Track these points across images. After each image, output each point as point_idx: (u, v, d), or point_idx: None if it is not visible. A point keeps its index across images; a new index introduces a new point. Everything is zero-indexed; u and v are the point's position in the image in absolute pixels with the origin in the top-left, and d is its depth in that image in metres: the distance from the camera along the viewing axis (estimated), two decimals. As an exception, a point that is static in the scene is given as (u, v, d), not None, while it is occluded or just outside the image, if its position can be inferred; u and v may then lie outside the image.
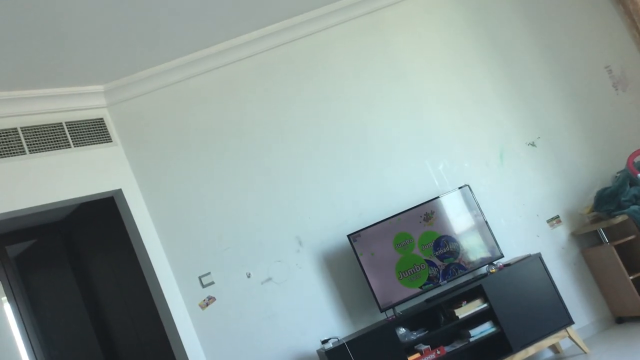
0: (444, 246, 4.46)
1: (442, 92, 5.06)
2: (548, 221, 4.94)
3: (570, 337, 4.39)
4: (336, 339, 4.21)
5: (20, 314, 5.35)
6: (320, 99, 4.87)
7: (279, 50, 4.90)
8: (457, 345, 4.27)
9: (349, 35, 5.04)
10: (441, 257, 4.44)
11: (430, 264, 4.43)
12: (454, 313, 4.26)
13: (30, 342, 5.29)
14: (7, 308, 5.30)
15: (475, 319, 4.29)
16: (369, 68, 5.01)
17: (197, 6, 4.03)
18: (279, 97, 4.82)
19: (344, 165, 4.77)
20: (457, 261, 4.44)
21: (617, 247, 4.59)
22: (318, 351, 4.29)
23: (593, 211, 4.85)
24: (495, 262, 4.51)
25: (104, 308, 5.25)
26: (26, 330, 5.32)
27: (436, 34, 5.20)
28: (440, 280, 4.41)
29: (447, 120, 5.00)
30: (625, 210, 4.55)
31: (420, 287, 4.38)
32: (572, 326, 4.39)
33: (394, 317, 4.23)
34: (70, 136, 4.32)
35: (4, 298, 5.32)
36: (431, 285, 4.40)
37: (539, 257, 4.46)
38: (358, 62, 5.01)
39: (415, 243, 4.44)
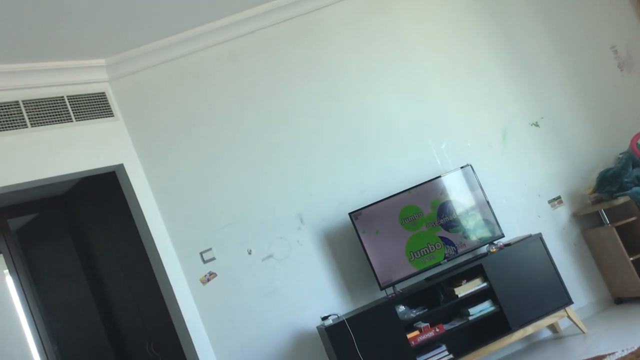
0: (454, 226, 4.47)
1: (446, 71, 5.03)
2: (549, 202, 4.94)
3: (569, 317, 4.41)
4: (336, 316, 4.23)
5: (22, 287, 5.38)
6: (323, 77, 4.84)
7: (283, 26, 4.85)
8: (456, 323, 4.29)
9: (353, 13, 4.98)
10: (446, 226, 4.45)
11: (447, 241, 4.43)
12: (454, 292, 4.28)
13: (32, 314, 5.32)
14: (9, 281, 5.33)
15: (475, 298, 4.31)
16: (372, 46, 4.96)
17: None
18: (282, 74, 4.79)
19: (346, 143, 4.76)
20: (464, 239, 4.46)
21: (618, 229, 4.59)
22: (318, 327, 4.32)
23: (595, 192, 4.85)
24: (495, 242, 4.52)
25: (105, 282, 5.28)
26: (28, 303, 5.35)
27: (440, 13, 5.15)
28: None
29: (451, 100, 4.97)
30: (627, 192, 4.55)
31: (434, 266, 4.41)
32: (571, 306, 4.42)
33: (394, 294, 4.25)
34: (72, 110, 4.30)
35: (6, 271, 5.35)
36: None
37: (539, 237, 4.47)
38: (362, 40, 4.96)
39: (425, 217, 4.45)
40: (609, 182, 4.72)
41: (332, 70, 4.87)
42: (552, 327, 4.70)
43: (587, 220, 4.96)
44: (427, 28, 5.09)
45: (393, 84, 4.92)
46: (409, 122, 4.87)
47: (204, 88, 4.67)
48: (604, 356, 3.78)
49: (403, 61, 4.97)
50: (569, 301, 4.38)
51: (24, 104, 4.10)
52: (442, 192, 4.51)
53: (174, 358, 4.56)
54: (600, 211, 4.72)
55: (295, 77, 4.81)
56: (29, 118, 4.10)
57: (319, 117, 4.77)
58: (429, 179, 4.58)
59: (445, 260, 4.42)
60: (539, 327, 4.39)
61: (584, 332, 4.42)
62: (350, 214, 4.41)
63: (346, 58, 4.91)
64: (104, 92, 4.49)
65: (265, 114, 4.70)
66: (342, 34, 4.95)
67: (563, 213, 4.95)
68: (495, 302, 4.28)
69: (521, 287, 4.32)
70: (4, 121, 3.98)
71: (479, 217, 4.52)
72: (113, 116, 4.48)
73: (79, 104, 4.35)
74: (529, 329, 4.31)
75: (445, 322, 4.35)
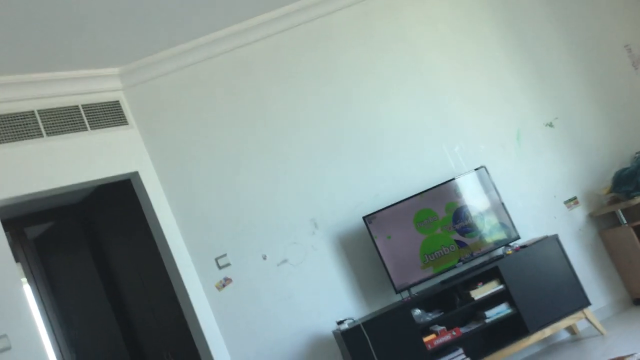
0: (469, 231, 4.45)
1: (458, 73, 5.01)
2: (565, 202, 4.90)
3: (587, 318, 4.37)
4: (352, 320, 4.23)
5: (40, 295, 5.44)
6: (335, 82, 4.84)
7: (295, 31, 4.86)
8: (473, 326, 4.27)
9: (363, 19, 4.99)
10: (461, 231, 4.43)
11: (461, 244, 4.41)
12: (470, 294, 4.25)
13: (50, 322, 5.37)
14: (27, 289, 5.38)
15: (491, 301, 4.29)
16: (384, 50, 4.96)
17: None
18: (294, 79, 4.80)
19: (359, 148, 4.76)
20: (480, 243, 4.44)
21: (636, 228, 4.55)
22: (334, 332, 4.32)
23: (611, 192, 4.80)
24: (511, 244, 4.49)
25: (122, 289, 5.31)
26: (46, 311, 5.41)
27: (451, 16, 5.13)
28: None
29: (463, 102, 4.95)
30: (644, 191, 4.51)
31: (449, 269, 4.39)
32: (589, 307, 4.38)
33: (410, 298, 4.24)
34: (87, 119, 4.34)
35: (24, 279, 5.40)
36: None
37: (556, 238, 4.43)
38: (373, 44, 4.96)
39: (439, 220, 4.44)
40: (625, 182, 4.67)
41: (345, 75, 4.87)
42: (570, 329, 4.66)
43: (604, 221, 4.91)
44: (438, 31, 5.08)
45: (405, 88, 4.92)
46: (422, 125, 4.86)
47: (217, 94, 4.69)
48: (623, 357, 3.74)
49: (415, 65, 4.97)
50: (586, 302, 4.34)
51: (39, 113, 4.14)
52: (457, 194, 4.49)
53: (190, 364, 4.58)
54: (617, 211, 4.68)
55: (308, 83, 4.82)
56: (45, 127, 4.14)
57: (332, 122, 4.77)
58: (442, 181, 4.56)
59: (461, 263, 4.40)
60: (557, 329, 4.35)
61: (602, 334, 4.38)
62: (364, 217, 4.40)
63: (358, 63, 4.91)
64: (118, 101, 4.53)
65: (278, 120, 4.71)
66: (354, 39, 4.95)
67: (579, 214, 4.91)
68: (512, 304, 4.25)
69: (538, 289, 4.29)
70: (20, 131, 4.03)
71: (494, 219, 4.50)
72: (127, 124, 4.52)
73: (93, 112, 4.39)
74: (547, 331, 4.28)
75: (462, 325, 4.33)
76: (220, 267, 4.42)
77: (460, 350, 4.20)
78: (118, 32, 4.04)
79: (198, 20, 4.36)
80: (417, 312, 4.23)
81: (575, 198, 4.92)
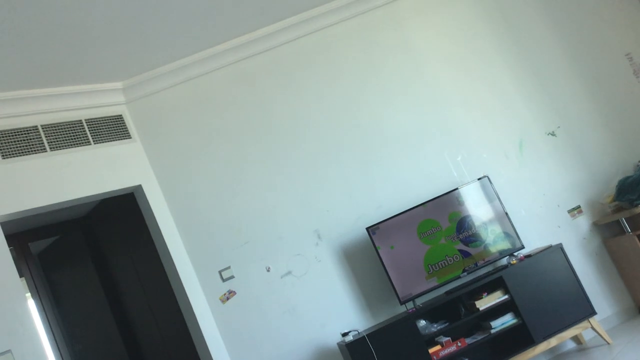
0: (473, 241, 4.44)
1: (460, 82, 5.02)
2: (569, 211, 4.89)
3: (592, 327, 4.35)
4: (356, 332, 4.21)
5: (44, 310, 5.43)
6: (337, 93, 4.86)
7: (297, 44, 4.89)
8: (478, 337, 4.25)
9: (365, 28, 5.02)
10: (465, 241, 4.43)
11: (465, 254, 4.40)
12: (475, 305, 4.24)
13: (55, 337, 5.37)
14: (31, 304, 5.37)
15: (496, 311, 4.28)
16: (385, 61, 4.98)
17: (212, 1, 4.04)
18: (297, 91, 4.82)
19: (362, 159, 4.76)
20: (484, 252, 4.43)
21: (640, 237, 4.54)
22: (338, 344, 4.30)
23: (615, 201, 4.79)
24: (515, 253, 4.48)
25: (126, 303, 5.31)
26: (50, 326, 5.40)
27: (453, 24, 5.16)
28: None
29: (465, 111, 4.96)
30: (648, 199, 4.50)
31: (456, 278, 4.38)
32: (595, 317, 4.36)
33: (414, 309, 4.23)
34: (90, 133, 4.36)
35: (28, 294, 5.40)
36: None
37: (560, 247, 4.42)
38: (374, 55, 4.98)
39: (443, 231, 4.43)
40: (629, 190, 4.67)
41: (347, 86, 4.89)
42: (576, 339, 4.63)
43: (608, 229, 4.90)
44: (440, 42, 5.10)
45: (407, 98, 4.93)
46: (424, 136, 4.87)
47: (219, 107, 4.71)
48: (630, 367, 3.72)
49: (417, 75, 4.98)
50: (592, 312, 4.32)
51: (42, 128, 4.16)
52: (460, 204, 4.49)
53: (195, 378, 4.56)
54: (621, 220, 4.67)
55: (310, 94, 4.83)
56: (48, 142, 4.16)
57: (334, 133, 4.78)
58: (445, 191, 4.56)
59: (465, 273, 4.39)
60: (563, 339, 4.33)
61: (608, 343, 4.35)
62: (367, 228, 4.40)
63: (360, 74, 4.93)
64: (121, 115, 4.55)
65: (281, 131, 4.72)
66: (355, 50, 4.97)
67: (583, 223, 4.90)
68: (517, 314, 4.24)
69: (543, 299, 4.27)
70: (23, 146, 4.04)
71: (498, 229, 4.49)
72: (130, 138, 4.53)
73: (96, 127, 4.41)
74: (553, 341, 4.25)
75: (467, 336, 4.31)
76: (224, 280, 4.42)
77: (466, 361, 4.19)
78: (121, 46, 4.07)
79: (200, 34, 4.39)
80: (422, 323, 4.21)
81: (578, 207, 4.92)
